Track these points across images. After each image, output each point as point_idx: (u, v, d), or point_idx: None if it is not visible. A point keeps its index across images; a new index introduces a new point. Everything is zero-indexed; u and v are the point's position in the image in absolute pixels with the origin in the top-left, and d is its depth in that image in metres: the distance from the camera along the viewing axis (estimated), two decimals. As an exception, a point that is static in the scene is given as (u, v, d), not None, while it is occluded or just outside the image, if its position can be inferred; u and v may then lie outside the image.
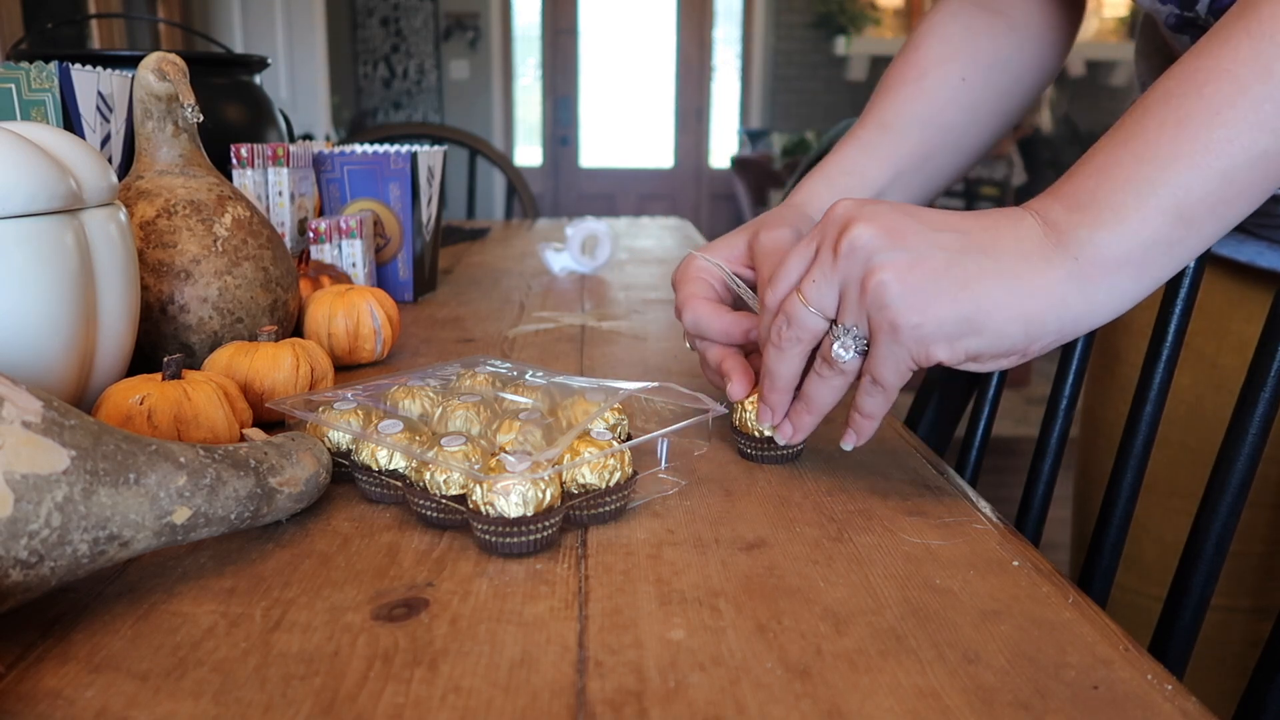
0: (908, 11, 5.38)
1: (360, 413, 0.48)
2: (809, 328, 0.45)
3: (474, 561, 0.40)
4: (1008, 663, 0.33)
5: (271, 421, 0.56)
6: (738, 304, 0.57)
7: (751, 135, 5.44)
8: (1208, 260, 0.69)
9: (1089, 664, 0.33)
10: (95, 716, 0.30)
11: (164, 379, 0.49)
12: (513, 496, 0.39)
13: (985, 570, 0.40)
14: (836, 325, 0.45)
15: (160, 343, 0.61)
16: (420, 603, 0.37)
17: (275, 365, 0.55)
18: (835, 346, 0.44)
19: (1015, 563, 0.41)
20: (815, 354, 0.47)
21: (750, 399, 0.52)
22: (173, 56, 0.59)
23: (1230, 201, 0.41)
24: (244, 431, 0.48)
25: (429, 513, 0.43)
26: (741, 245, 0.57)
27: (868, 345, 0.44)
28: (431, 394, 0.51)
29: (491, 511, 0.40)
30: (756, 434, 0.51)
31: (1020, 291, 0.41)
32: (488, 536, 0.40)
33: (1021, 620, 0.36)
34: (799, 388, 0.48)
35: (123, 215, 0.53)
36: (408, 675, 0.32)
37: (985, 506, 0.47)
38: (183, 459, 0.37)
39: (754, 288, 0.55)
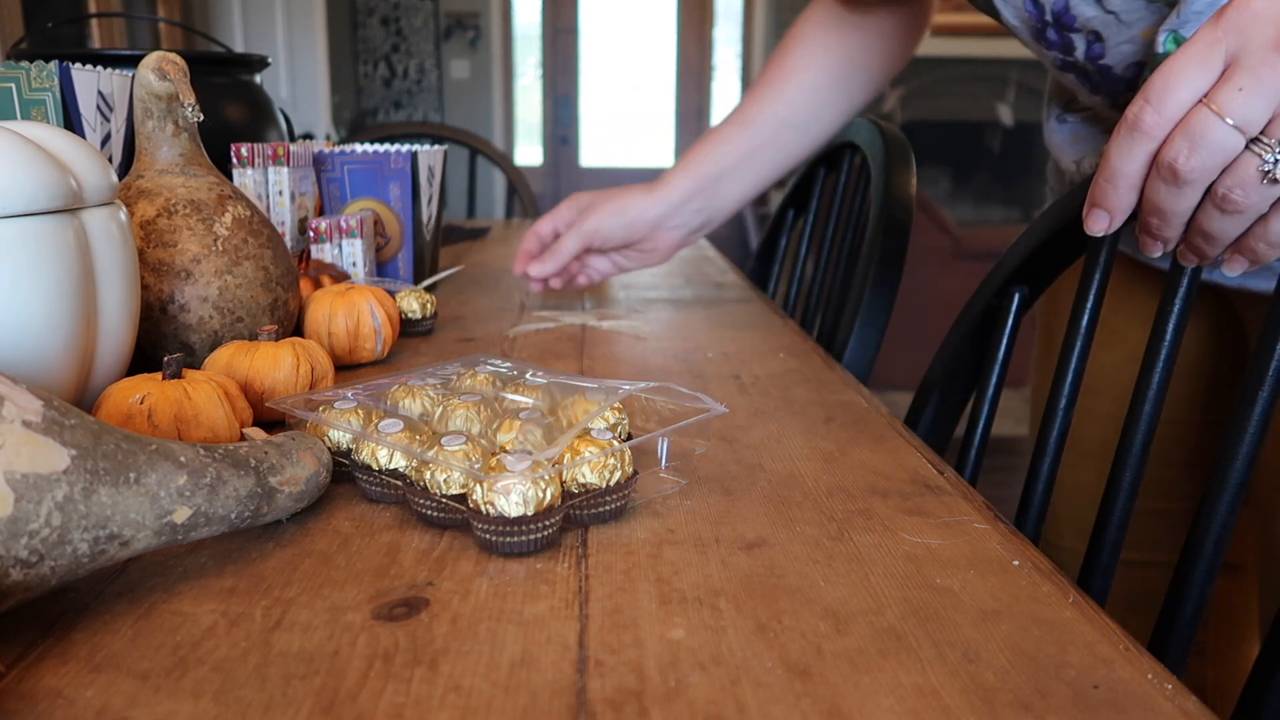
0: (908, 11, 5.38)
1: (360, 412, 0.48)
2: (1222, 149, 0.36)
3: (474, 561, 0.40)
4: (1008, 662, 0.33)
5: (272, 421, 0.56)
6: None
7: (752, 135, 5.43)
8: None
9: (1089, 663, 0.34)
10: (95, 716, 0.30)
11: (164, 378, 0.49)
12: (513, 496, 0.39)
13: (985, 570, 0.40)
14: (1261, 142, 0.36)
15: (160, 342, 0.61)
16: (420, 602, 0.37)
17: (275, 365, 0.55)
18: (1271, 167, 0.36)
19: (1015, 562, 0.41)
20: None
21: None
22: (173, 56, 0.59)
23: None
24: (244, 431, 0.48)
25: (429, 512, 0.43)
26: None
27: None
28: (432, 393, 0.51)
29: (492, 511, 0.40)
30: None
31: None
32: (488, 536, 0.40)
33: (1021, 620, 0.36)
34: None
35: (123, 215, 0.53)
36: (408, 675, 0.32)
37: (985, 506, 0.47)
38: (183, 458, 0.37)
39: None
